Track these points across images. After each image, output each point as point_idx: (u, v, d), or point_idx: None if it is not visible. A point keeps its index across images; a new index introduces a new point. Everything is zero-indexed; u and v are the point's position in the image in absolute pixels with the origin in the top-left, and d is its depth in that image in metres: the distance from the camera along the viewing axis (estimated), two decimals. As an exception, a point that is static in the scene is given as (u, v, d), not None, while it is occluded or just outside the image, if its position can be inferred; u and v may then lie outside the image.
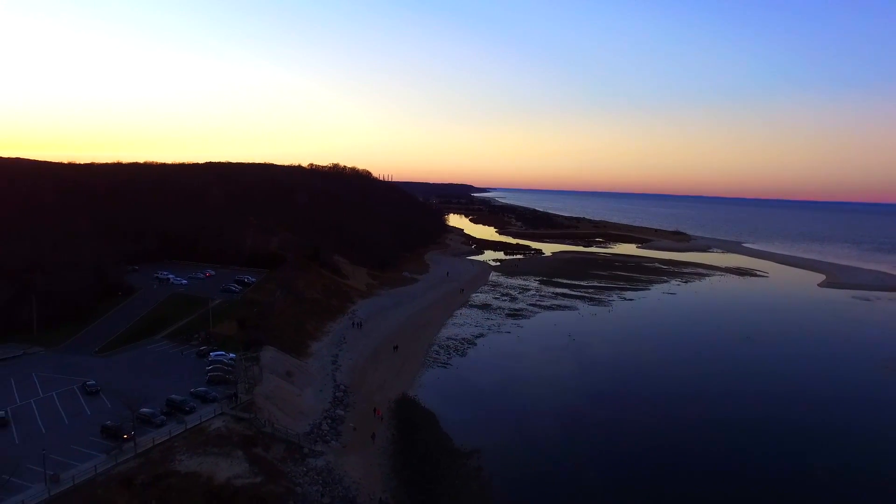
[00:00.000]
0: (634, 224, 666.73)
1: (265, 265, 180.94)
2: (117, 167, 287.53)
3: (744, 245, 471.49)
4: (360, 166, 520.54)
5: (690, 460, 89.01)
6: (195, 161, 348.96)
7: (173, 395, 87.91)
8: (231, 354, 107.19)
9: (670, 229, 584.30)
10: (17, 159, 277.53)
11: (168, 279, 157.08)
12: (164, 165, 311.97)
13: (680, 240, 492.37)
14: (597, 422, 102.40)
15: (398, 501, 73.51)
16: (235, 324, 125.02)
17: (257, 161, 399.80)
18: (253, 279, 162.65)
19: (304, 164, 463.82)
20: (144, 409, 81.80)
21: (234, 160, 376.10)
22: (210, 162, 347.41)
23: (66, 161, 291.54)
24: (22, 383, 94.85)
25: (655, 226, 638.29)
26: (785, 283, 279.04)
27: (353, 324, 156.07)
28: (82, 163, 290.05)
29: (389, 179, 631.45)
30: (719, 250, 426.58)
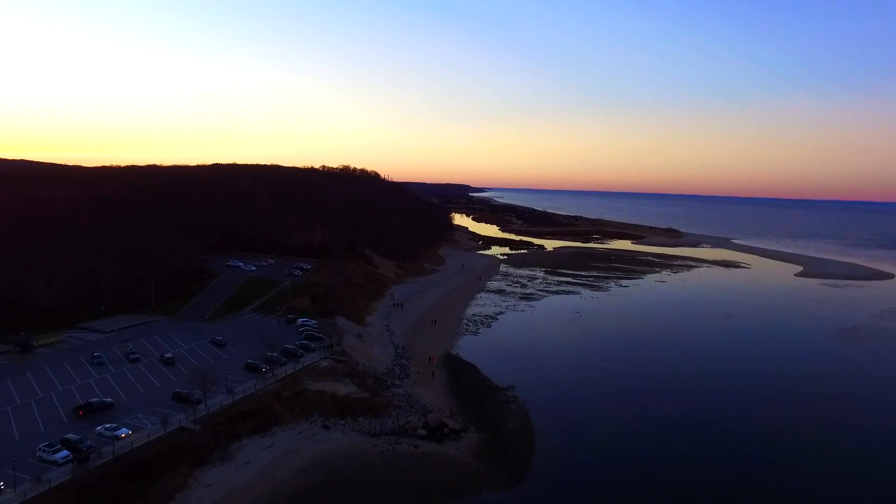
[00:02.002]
0: (629, 222, 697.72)
1: (313, 255, 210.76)
2: (172, 169, 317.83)
3: (732, 241, 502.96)
4: (356, 167, 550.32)
5: (668, 390, 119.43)
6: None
7: (286, 345, 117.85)
8: (313, 321, 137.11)
9: (664, 227, 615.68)
10: (103, 167, 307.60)
11: (239, 266, 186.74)
12: (211, 166, 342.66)
13: (672, 236, 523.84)
14: (598, 369, 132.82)
15: (462, 412, 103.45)
16: (308, 299, 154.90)
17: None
18: (308, 266, 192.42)
19: (298, 164, 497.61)
20: (271, 353, 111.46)
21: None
22: (248, 164, 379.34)
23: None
24: (165, 339, 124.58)
25: (650, 224, 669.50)
26: (765, 274, 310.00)
27: (393, 304, 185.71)
28: (127, 165, 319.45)
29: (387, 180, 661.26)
30: (708, 245, 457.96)
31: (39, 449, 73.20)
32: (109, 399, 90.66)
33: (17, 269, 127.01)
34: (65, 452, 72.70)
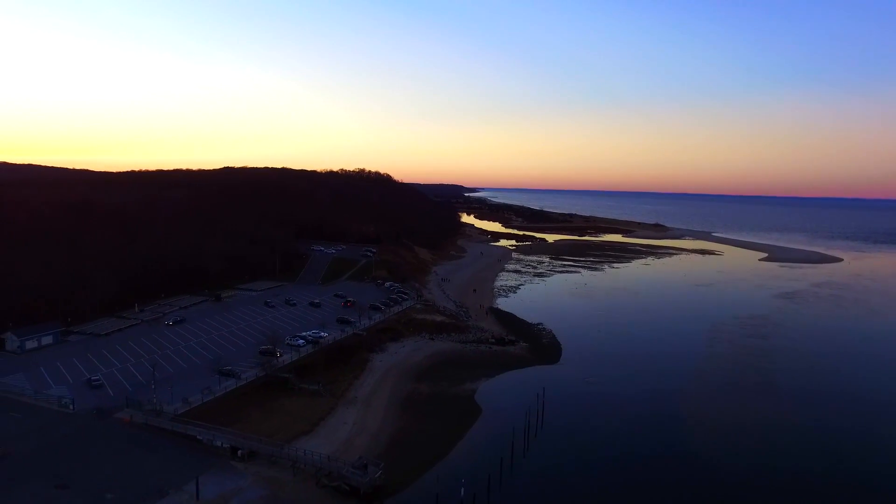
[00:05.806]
0: (620, 218, 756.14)
1: (371, 243, 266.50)
2: (244, 171, 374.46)
3: (712, 234, 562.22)
4: (350, 167, 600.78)
5: (648, 324, 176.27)
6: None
7: (391, 296, 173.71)
8: (396, 284, 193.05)
9: (651, 222, 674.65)
10: (201, 170, 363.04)
11: (321, 250, 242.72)
12: (279, 169, 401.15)
13: (658, 230, 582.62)
14: (598, 316, 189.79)
15: (513, 334, 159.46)
16: (385, 271, 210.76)
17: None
18: (374, 250, 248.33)
19: (296, 166, 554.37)
20: (385, 299, 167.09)
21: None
22: (306, 169, 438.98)
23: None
24: (299, 295, 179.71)
25: (639, 220, 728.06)
26: (734, 259, 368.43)
27: (440, 279, 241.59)
28: (196, 169, 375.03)
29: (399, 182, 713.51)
30: (690, 238, 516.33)
31: (287, 338, 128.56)
32: (353, 299, 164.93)
33: (195, 249, 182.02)
34: (301, 340, 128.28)
